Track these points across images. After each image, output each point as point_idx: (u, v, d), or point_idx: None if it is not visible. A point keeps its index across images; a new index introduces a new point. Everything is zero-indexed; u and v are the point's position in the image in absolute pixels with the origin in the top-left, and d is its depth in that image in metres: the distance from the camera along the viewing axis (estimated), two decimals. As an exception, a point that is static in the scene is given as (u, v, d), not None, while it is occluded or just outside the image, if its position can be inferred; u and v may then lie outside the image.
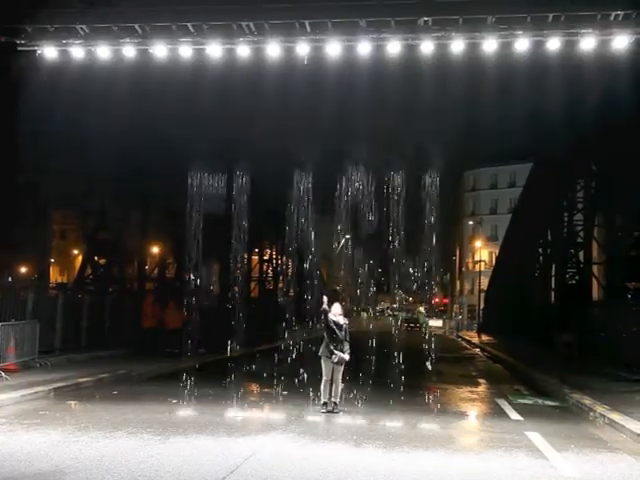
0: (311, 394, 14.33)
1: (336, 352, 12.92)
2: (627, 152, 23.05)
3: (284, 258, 55.24)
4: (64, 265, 61.33)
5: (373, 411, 13.62)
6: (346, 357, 13.05)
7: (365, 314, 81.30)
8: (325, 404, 13.04)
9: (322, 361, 13.15)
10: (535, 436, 11.12)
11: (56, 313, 20.86)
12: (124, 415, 12.52)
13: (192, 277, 34.14)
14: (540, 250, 38.20)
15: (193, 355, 22.63)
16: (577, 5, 15.64)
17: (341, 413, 12.95)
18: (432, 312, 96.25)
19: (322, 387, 13.12)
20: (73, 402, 13.77)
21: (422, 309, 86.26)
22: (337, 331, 13.07)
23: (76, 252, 57.02)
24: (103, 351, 21.65)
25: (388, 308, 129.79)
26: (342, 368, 13.11)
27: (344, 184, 54.30)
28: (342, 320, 13.25)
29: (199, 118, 24.68)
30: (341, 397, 13.37)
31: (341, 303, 14.10)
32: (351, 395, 14.91)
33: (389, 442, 10.35)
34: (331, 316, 13.21)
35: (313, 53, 16.17)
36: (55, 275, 53.38)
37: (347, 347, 13.10)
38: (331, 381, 13.02)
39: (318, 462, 8.93)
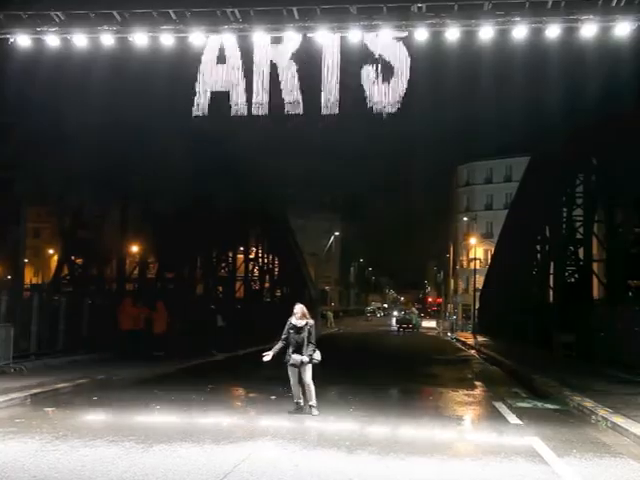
0: (300, 399, 13.81)
1: (290, 355, 12.89)
2: (629, 144, 22.39)
3: (270, 257, 54.51)
4: (39, 265, 60.36)
5: (366, 416, 13.11)
6: (299, 359, 12.86)
7: (331, 314, 70.41)
8: (297, 403, 13.05)
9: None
10: (535, 441, 10.82)
11: (31, 316, 20.18)
12: (105, 422, 12.24)
13: (173, 277, 33.60)
14: (538, 247, 37.64)
15: (176, 359, 22.22)
16: (578, -10, 15.12)
17: (332, 417, 12.57)
18: (425, 312, 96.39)
19: (292, 389, 13.18)
20: (51, 409, 13.23)
21: (415, 309, 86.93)
22: (293, 334, 13.01)
23: (51, 252, 55.99)
24: (81, 355, 21.08)
25: (379, 308, 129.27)
26: (309, 371, 12.93)
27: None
28: (301, 322, 13.08)
29: (182, 111, 24.05)
30: (330, 402, 13.34)
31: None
32: (343, 400, 14.59)
33: (383, 448, 10.01)
34: (292, 319, 13.14)
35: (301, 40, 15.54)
36: (29, 275, 52.31)
37: (310, 349, 12.92)
38: (302, 384, 12.96)
39: (310, 469, 8.69)
